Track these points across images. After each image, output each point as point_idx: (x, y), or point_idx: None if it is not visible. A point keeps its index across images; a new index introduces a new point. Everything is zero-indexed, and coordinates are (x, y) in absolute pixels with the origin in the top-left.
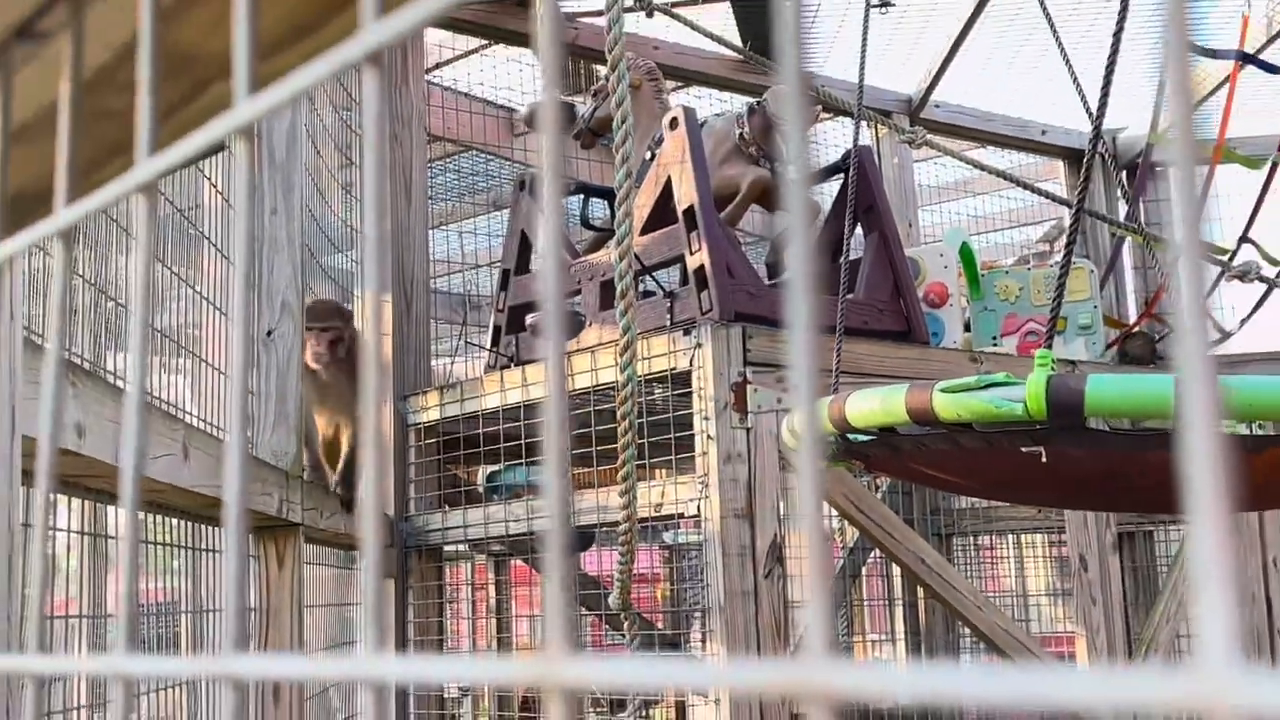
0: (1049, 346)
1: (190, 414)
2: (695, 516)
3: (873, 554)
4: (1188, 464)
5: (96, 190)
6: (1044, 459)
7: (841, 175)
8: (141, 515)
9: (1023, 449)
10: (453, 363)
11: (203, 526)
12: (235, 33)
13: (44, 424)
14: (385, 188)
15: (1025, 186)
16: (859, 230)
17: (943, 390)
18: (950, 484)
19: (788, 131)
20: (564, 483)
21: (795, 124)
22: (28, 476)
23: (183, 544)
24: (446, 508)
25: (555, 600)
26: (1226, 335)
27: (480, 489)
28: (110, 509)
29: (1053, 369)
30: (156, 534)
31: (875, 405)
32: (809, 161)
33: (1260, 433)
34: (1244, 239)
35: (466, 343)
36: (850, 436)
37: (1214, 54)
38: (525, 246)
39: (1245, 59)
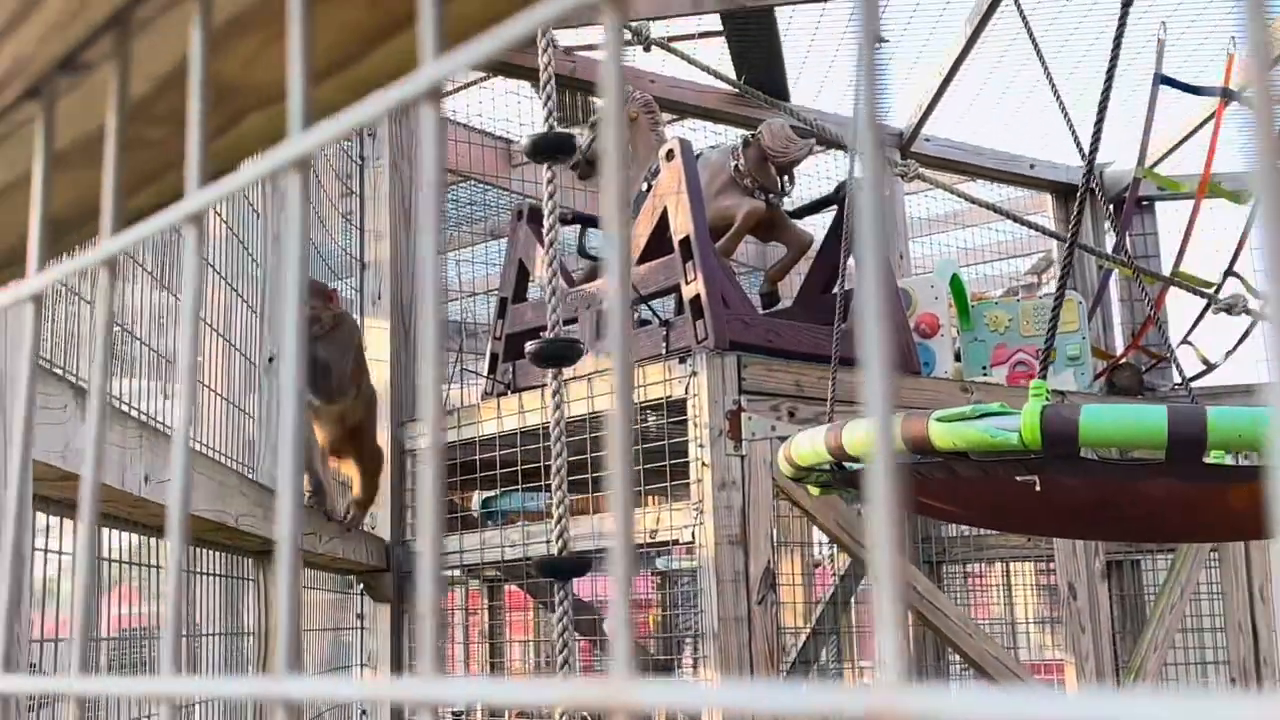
0: (1043, 377)
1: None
2: (690, 543)
3: (864, 581)
4: None
5: (130, 219)
6: (1038, 488)
7: (834, 207)
8: (140, 538)
9: (1017, 478)
10: (448, 389)
11: (199, 550)
12: (290, 67)
13: (89, 460)
14: (440, 226)
15: (1014, 219)
16: (851, 261)
17: (939, 419)
18: (945, 512)
19: (863, 185)
20: (629, 500)
21: (872, 179)
22: (37, 501)
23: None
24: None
25: (620, 621)
26: (1211, 367)
27: (476, 514)
28: (107, 531)
29: (1047, 399)
30: (151, 557)
31: (871, 433)
32: (883, 210)
33: (1247, 464)
34: (1229, 272)
35: (463, 370)
36: (846, 465)
37: (1200, 91)
38: (523, 275)
39: (1230, 96)
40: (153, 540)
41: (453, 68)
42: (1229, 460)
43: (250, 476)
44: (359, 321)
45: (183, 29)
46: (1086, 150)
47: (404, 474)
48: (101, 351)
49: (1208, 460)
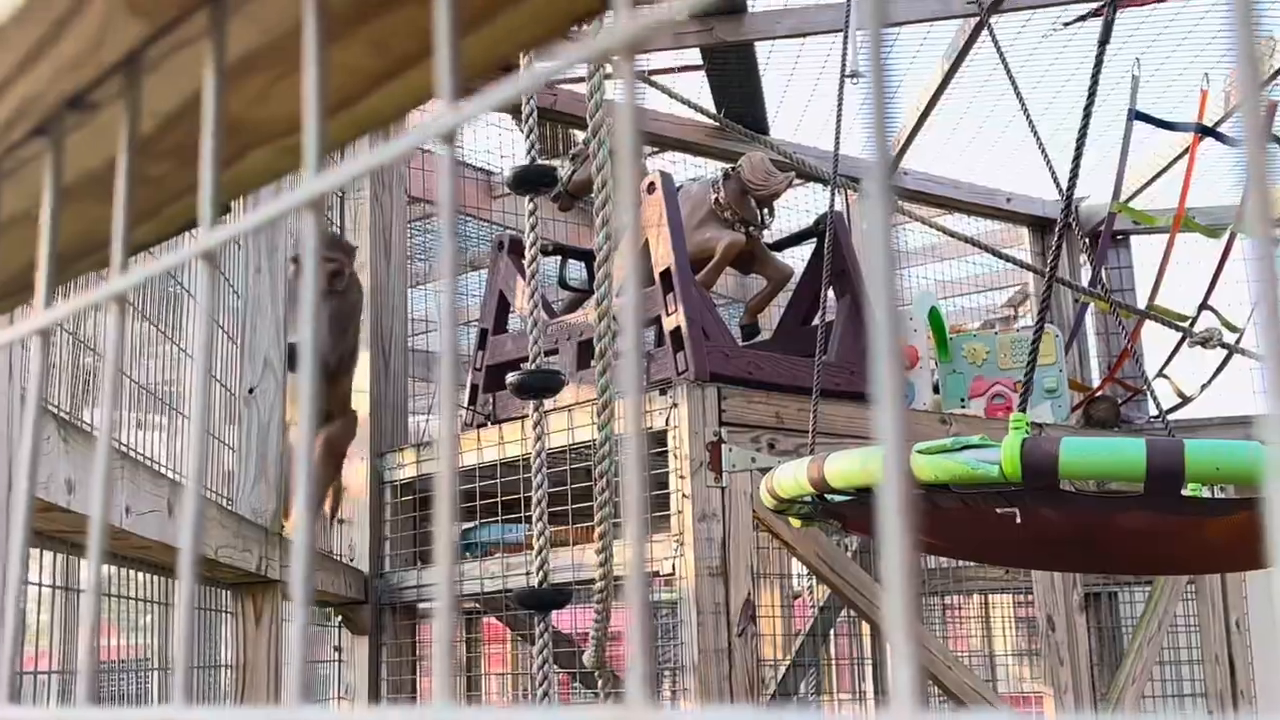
0: (1024, 410)
1: (163, 466)
2: (670, 575)
3: (842, 612)
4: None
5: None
6: (1018, 520)
7: (814, 240)
8: (116, 570)
9: (998, 510)
10: (427, 420)
11: (174, 583)
12: (305, 114)
13: (96, 500)
14: (456, 261)
15: (992, 252)
16: (830, 294)
17: (920, 452)
18: (926, 544)
19: (870, 231)
20: (643, 529)
21: (879, 225)
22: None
23: (153, 599)
24: (421, 565)
25: (637, 648)
26: (1187, 400)
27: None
28: (82, 562)
29: (1027, 432)
30: (129, 589)
31: (854, 466)
32: (892, 254)
33: (1223, 496)
34: (1204, 306)
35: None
36: (828, 497)
37: (1174, 126)
38: (503, 306)
39: (1204, 131)
40: (128, 572)
41: (469, 115)
42: (1206, 493)
43: (229, 508)
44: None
45: (189, 69)
46: (1064, 186)
47: (382, 505)
48: (109, 386)
49: (1186, 493)
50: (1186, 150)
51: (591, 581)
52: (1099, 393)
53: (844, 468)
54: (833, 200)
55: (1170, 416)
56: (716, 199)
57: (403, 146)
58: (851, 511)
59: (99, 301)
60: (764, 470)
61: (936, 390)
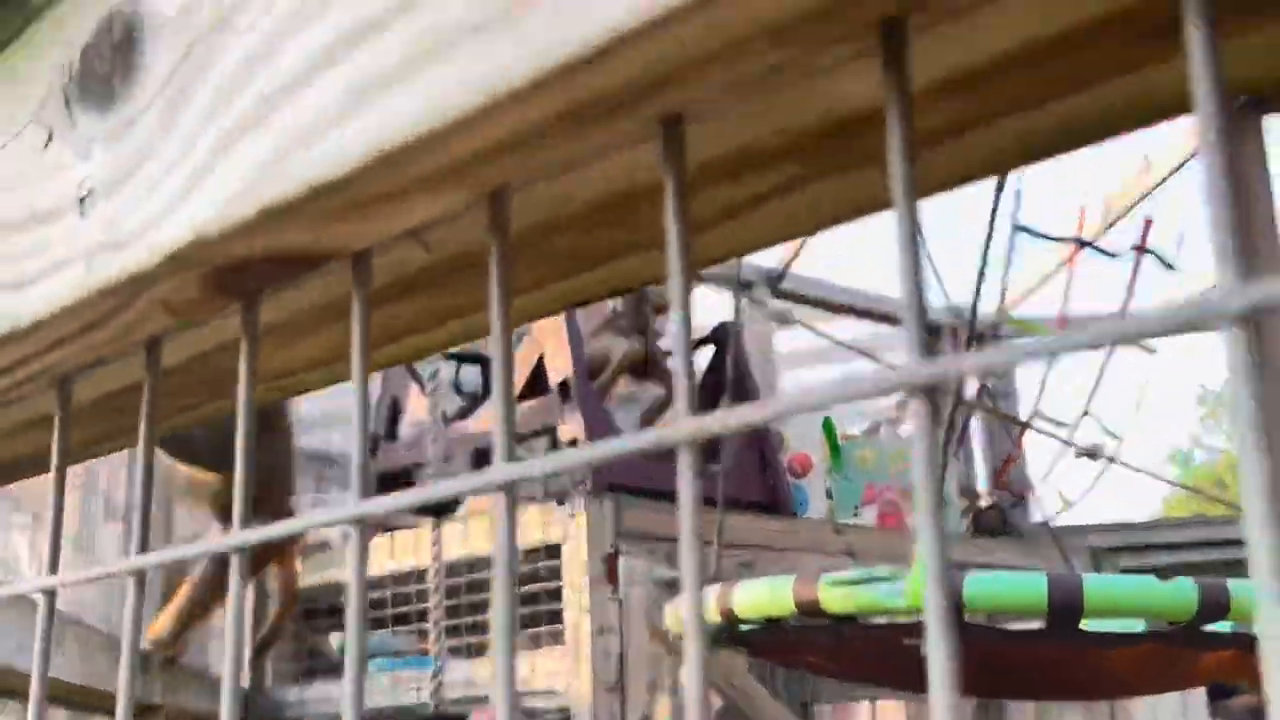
0: None
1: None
2: (563, 692)
3: None
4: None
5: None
6: (923, 652)
7: (713, 346)
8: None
9: (904, 640)
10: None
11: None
12: (353, 441)
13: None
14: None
15: (874, 360)
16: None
17: (830, 584)
18: (831, 670)
19: (911, 346)
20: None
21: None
22: None
23: None
24: (304, 681)
25: None
26: (1069, 505)
27: (336, 658)
28: None
29: None
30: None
31: (763, 596)
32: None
33: (1113, 629)
34: (1085, 413)
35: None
36: (736, 626)
37: (1054, 239)
38: (396, 413)
39: (1082, 244)
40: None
41: (529, 472)
42: (1103, 626)
43: (107, 630)
44: None
45: (201, 337)
46: (948, 297)
47: (264, 617)
48: (128, 665)
49: (1083, 627)
50: (1067, 261)
51: (486, 699)
52: (985, 500)
53: (752, 598)
54: (736, 308)
55: (1056, 522)
56: (614, 307)
57: (459, 489)
58: (759, 640)
59: (116, 573)
60: (663, 582)
61: (830, 495)
